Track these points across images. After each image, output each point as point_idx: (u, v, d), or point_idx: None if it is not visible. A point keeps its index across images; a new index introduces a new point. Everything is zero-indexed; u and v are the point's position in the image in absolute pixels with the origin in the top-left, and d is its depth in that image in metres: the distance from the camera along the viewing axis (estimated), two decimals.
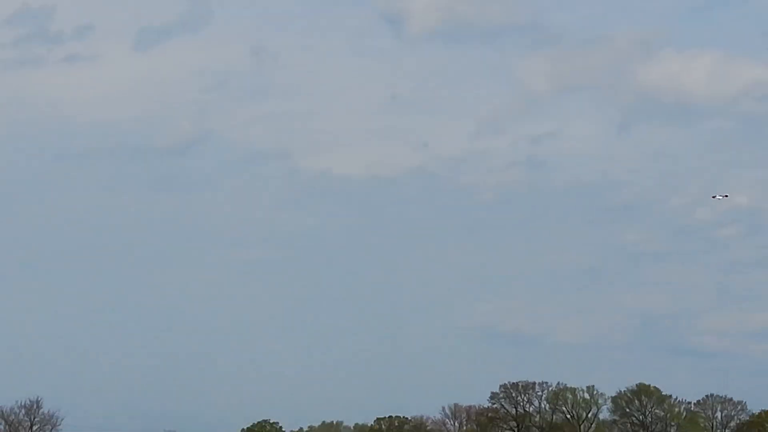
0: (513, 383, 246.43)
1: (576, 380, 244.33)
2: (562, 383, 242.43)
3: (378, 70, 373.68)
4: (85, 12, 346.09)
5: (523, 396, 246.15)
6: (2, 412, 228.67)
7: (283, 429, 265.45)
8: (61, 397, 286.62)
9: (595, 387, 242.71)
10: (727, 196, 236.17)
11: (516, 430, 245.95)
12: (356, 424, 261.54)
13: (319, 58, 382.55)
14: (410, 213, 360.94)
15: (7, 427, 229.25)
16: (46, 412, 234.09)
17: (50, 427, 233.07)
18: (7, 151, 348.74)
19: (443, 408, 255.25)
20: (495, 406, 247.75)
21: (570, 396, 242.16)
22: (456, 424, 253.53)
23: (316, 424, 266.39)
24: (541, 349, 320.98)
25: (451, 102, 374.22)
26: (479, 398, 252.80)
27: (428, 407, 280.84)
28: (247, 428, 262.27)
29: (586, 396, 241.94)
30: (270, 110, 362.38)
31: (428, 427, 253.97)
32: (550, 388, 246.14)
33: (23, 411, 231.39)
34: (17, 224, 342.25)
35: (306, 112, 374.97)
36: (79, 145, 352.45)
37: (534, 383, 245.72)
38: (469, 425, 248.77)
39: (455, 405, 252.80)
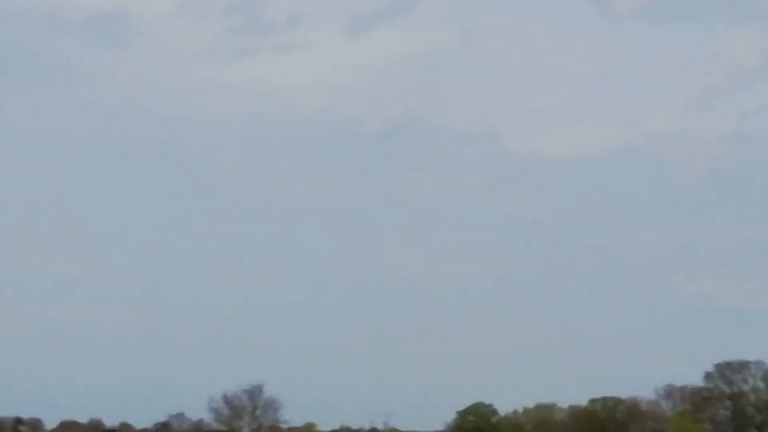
0: (727, 362, 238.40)
1: None
2: None
3: (585, 49, 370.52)
4: (295, 1, 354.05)
5: (737, 375, 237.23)
6: (226, 397, 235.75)
7: (498, 411, 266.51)
8: (281, 383, 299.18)
9: None
10: None
11: (731, 410, 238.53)
12: (570, 406, 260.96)
13: (526, 39, 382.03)
14: (620, 192, 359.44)
15: (230, 411, 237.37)
16: (267, 396, 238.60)
17: (272, 412, 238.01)
18: (223, 140, 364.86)
19: (656, 388, 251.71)
20: (709, 386, 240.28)
21: None
22: (670, 404, 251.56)
23: (530, 405, 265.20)
24: (754, 326, 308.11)
25: (658, 79, 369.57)
26: (691, 377, 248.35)
27: (640, 387, 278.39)
28: (462, 410, 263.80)
29: None
30: (478, 92, 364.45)
31: (642, 408, 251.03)
32: (766, 367, 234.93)
33: (246, 396, 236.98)
34: (232, 214, 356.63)
35: (514, 94, 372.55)
36: (292, 131, 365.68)
37: (748, 362, 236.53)
38: (683, 405, 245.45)
39: (668, 385, 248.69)
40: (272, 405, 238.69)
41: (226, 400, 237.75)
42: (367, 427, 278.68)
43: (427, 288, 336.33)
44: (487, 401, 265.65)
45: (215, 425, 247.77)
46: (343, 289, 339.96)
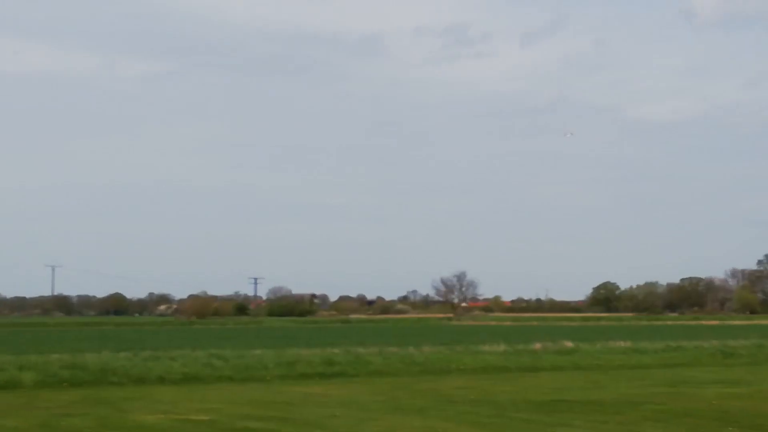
0: None
1: None
2: None
3: (677, 48, 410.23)
4: (488, 24, 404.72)
5: None
6: (443, 279, 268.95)
7: (619, 286, 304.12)
8: (479, 267, 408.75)
9: None
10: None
11: None
12: (668, 283, 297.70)
13: (638, 42, 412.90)
14: (697, 144, 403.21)
15: (446, 289, 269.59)
16: (469, 279, 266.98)
17: (472, 289, 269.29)
18: (439, 115, 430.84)
19: (725, 270, 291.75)
20: (761, 268, 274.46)
21: None
22: (735, 281, 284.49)
23: (641, 283, 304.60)
24: None
25: (724, 67, 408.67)
26: (749, 263, 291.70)
27: (715, 270, 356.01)
28: (596, 287, 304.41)
29: None
30: (606, 79, 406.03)
31: (716, 284, 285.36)
32: None
33: (455, 278, 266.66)
34: (443, 162, 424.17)
35: (629, 79, 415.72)
36: (483, 108, 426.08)
37: None
38: (744, 282, 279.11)
39: (734, 269, 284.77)
40: (472, 284, 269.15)
41: (443, 281, 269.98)
42: (534, 298, 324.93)
43: (570, 204, 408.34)
44: (612, 280, 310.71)
45: (436, 298, 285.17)
46: (516, 208, 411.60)
